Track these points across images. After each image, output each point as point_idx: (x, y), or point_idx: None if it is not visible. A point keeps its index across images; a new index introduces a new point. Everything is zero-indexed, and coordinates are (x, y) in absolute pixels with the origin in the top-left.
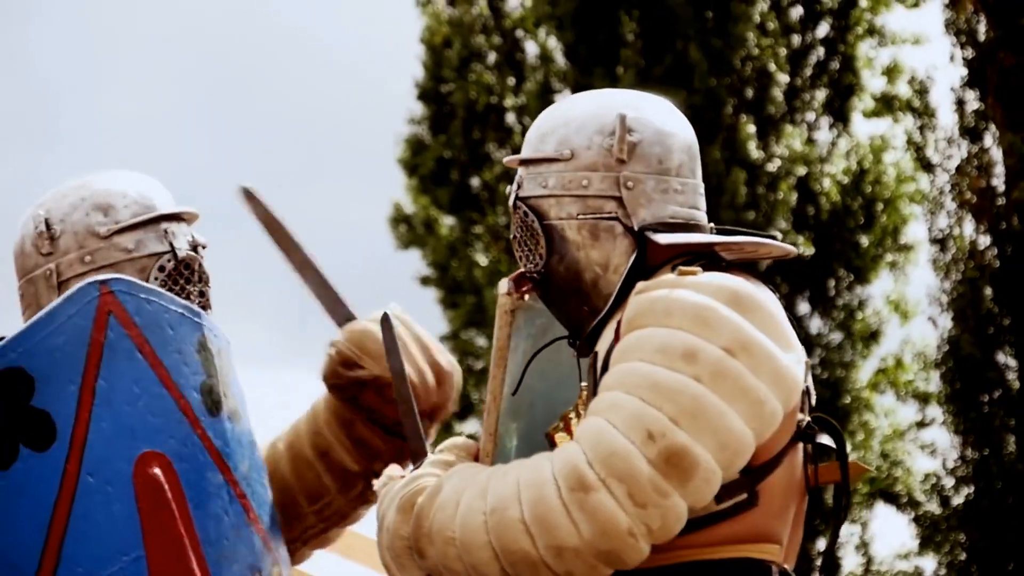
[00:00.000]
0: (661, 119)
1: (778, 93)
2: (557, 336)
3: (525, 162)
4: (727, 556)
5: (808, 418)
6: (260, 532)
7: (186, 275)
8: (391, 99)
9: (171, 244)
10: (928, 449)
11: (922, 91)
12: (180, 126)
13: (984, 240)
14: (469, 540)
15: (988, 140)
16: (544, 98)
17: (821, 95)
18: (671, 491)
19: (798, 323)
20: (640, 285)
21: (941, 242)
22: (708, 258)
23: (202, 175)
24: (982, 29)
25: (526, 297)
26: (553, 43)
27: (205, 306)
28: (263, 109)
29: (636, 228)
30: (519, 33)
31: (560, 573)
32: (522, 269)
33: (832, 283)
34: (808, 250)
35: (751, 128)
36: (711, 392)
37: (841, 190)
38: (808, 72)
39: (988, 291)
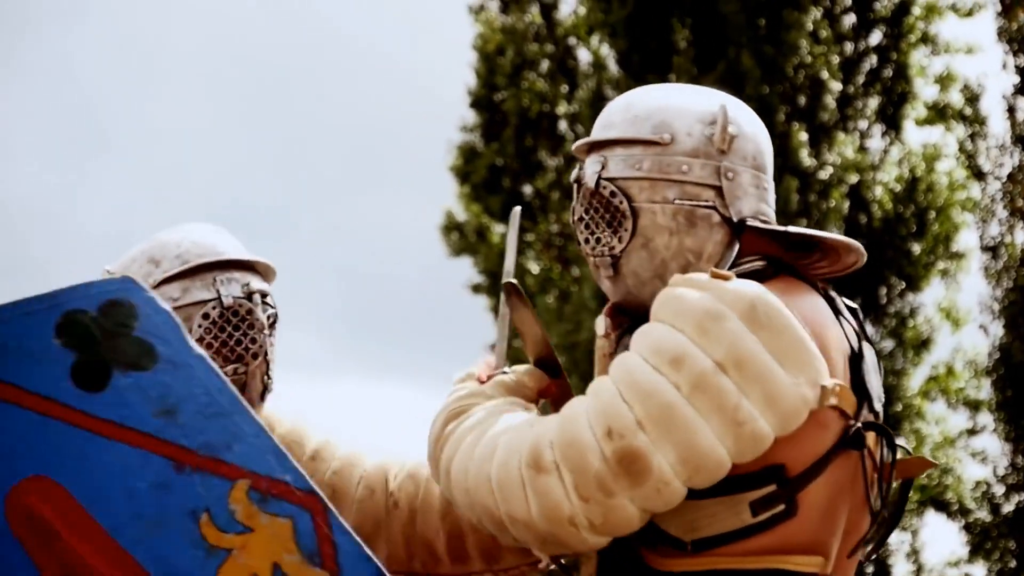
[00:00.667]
0: (749, 117)
1: (830, 100)
2: None
3: (612, 144)
4: (763, 567)
5: (859, 424)
6: (202, 466)
7: (234, 322)
8: (444, 106)
9: (218, 291)
10: (979, 457)
11: (974, 99)
12: (226, 133)
13: None
14: (456, 481)
15: None
16: (596, 106)
17: (873, 103)
18: (617, 492)
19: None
20: (674, 278)
21: (992, 250)
22: (783, 268)
23: (249, 183)
24: None
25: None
26: (606, 50)
27: (257, 354)
28: (313, 116)
29: (735, 219)
30: (571, 40)
31: (516, 537)
32: (587, 251)
33: (884, 291)
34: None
35: (803, 136)
36: (687, 403)
37: (893, 198)
38: (860, 80)
39: None
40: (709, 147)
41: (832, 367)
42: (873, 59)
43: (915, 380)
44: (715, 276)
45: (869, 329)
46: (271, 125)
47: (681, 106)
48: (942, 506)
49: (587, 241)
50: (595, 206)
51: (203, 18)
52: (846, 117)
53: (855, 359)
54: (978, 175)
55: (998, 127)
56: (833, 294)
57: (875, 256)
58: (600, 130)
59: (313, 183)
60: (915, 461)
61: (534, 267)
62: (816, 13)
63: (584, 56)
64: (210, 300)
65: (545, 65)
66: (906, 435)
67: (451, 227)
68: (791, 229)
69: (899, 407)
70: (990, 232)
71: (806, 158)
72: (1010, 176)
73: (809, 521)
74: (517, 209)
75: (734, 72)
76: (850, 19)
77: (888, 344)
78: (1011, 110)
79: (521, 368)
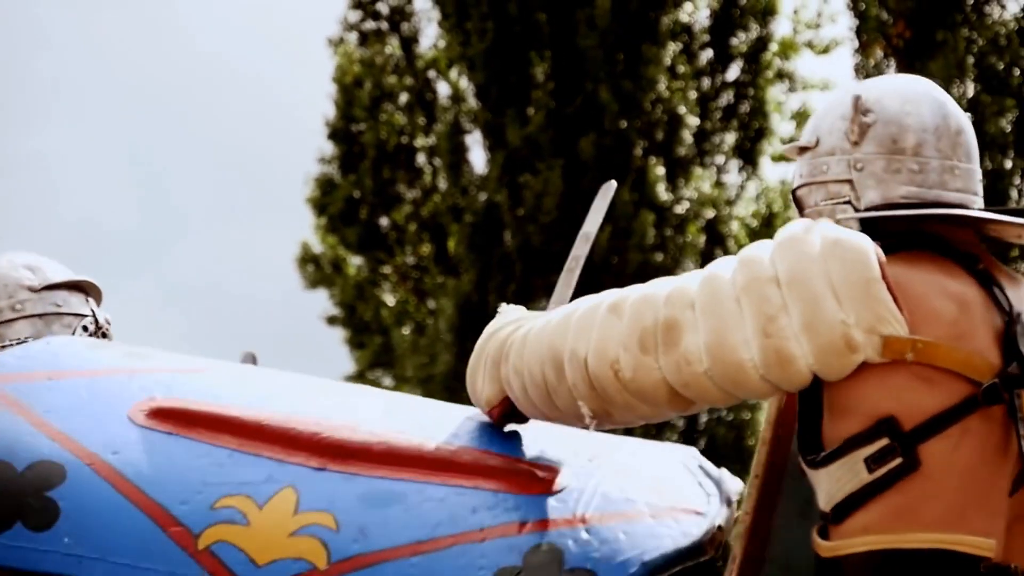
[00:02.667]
0: (905, 98)
1: (687, 135)
2: None
3: (791, 153)
4: (920, 546)
5: (995, 380)
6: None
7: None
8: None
9: (92, 310)
10: None
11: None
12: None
13: None
14: (540, 337)
15: None
16: (454, 139)
17: (731, 138)
18: (650, 350)
19: None
20: None
21: None
22: (935, 245)
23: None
24: (891, 74)
25: None
26: (465, 83)
27: None
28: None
29: (862, 209)
30: (431, 74)
31: (570, 383)
32: None
33: None
34: None
35: (660, 170)
36: (734, 299)
37: (749, 233)
38: (718, 115)
39: None
40: (844, 142)
41: (929, 328)
42: (730, 94)
43: None
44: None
45: None
46: (130, 150)
47: (831, 105)
48: None
49: None
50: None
51: (69, 45)
52: (703, 152)
53: (1008, 325)
54: None
55: None
56: (994, 268)
57: None
58: None
59: (167, 211)
60: None
61: (390, 299)
62: (674, 48)
63: (443, 89)
64: (86, 316)
65: (404, 97)
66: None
67: (307, 259)
68: (888, 214)
69: (753, 441)
70: None
71: (663, 192)
72: None
73: (946, 485)
74: (612, 184)
75: (592, 106)
76: (708, 54)
77: None
78: None
79: None
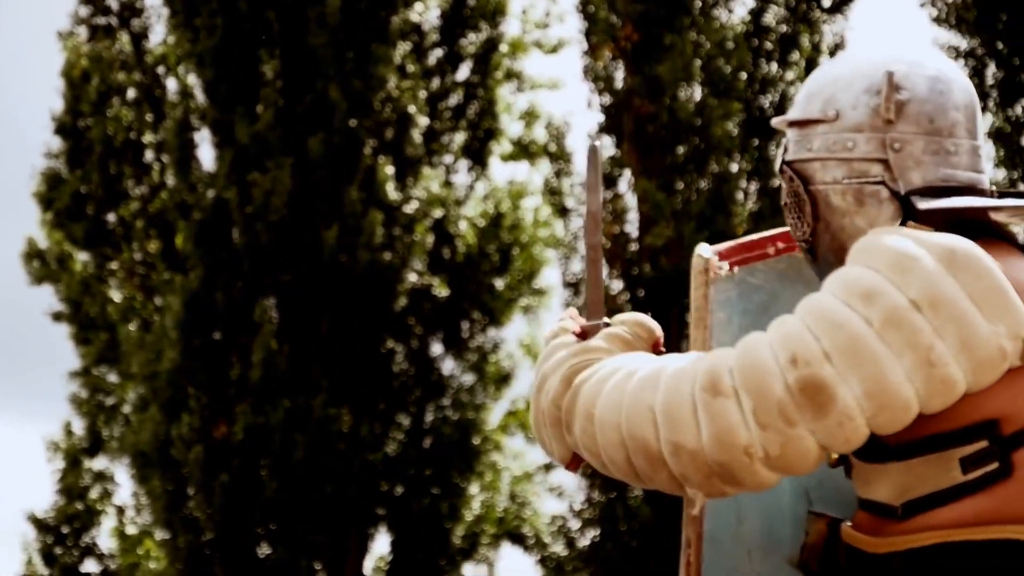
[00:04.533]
0: (934, 75)
1: (417, 135)
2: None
3: (792, 124)
4: (986, 537)
5: None
6: None
7: None
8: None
9: None
10: (556, 491)
11: (559, 136)
12: None
13: (617, 285)
14: (605, 419)
15: (623, 186)
16: (182, 135)
17: (460, 138)
18: (798, 421)
19: (430, 364)
20: (872, 231)
21: (575, 286)
22: (982, 230)
23: None
24: (619, 76)
25: (735, 271)
26: (193, 80)
27: None
28: None
29: (903, 192)
30: (160, 70)
31: (676, 473)
32: (794, 237)
33: (466, 325)
34: (443, 292)
35: (389, 169)
36: (877, 338)
37: (478, 233)
38: (447, 115)
39: None
40: (876, 119)
41: None
42: (460, 94)
43: (495, 415)
44: (913, 228)
45: (450, 363)
46: None
47: (850, 78)
48: (519, 539)
49: (791, 227)
50: (786, 190)
51: None
52: (432, 151)
53: None
54: (562, 212)
55: (582, 164)
56: None
57: (458, 291)
58: (791, 110)
59: None
60: None
61: (116, 295)
62: (404, 48)
63: (172, 85)
64: None
65: (132, 93)
66: (484, 468)
67: (32, 254)
68: (957, 203)
69: (478, 440)
70: (572, 269)
71: (392, 191)
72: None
73: None
74: (597, 144)
75: (322, 104)
76: (438, 54)
77: (469, 378)
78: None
79: (628, 317)
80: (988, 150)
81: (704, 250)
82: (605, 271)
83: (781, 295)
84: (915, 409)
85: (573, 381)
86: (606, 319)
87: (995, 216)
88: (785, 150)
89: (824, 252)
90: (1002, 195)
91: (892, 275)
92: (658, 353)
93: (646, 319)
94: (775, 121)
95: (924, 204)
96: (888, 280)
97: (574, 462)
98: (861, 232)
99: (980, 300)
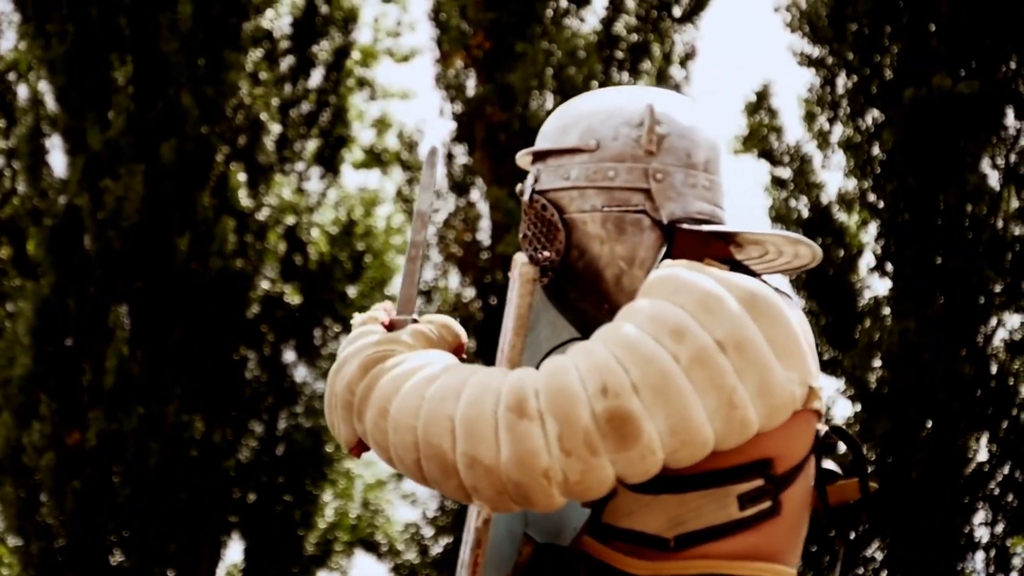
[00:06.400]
0: (686, 114)
1: (269, 142)
2: (573, 337)
3: (544, 155)
4: (750, 573)
5: (826, 428)
6: None
7: None
8: None
9: None
10: (409, 499)
11: (411, 145)
12: None
13: (469, 292)
14: (400, 420)
15: (475, 194)
16: (33, 142)
17: (312, 145)
18: (602, 451)
19: (283, 372)
20: (664, 263)
21: (427, 294)
22: (737, 268)
23: None
24: (471, 84)
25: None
26: (45, 87)
27: None
28: None
29: (665, 221)
30: (11, 76)
31: (466, 486)
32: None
33: (319, 333)
34: (296, 300)
35: (242, 176)
36: (684, 376)
37: (330, 240)
38: (300, 122)
39: (472, 343)
40: (637, 149)
41: (815, 370)
42: (312, 102)
43: None
44: (709, 265)
45: (302, 371)
46: None
47: (609, 110)
48: (372, 546)
49: (531, 257)
50: (533, 220)
51: None
52: (285, 159)
53: None
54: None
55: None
56: (786, 291)
57: (311, 298)
58: (537, 142)
59: None
60: (850, 485)
61: None
62: (256, 54)
63: (23, 92)
64: None
65: None
66: (337, 476)
67: None
68: (721, 229)
69: (331, 448)
70: (425, 277)
71: (244, 198)
72: (445, 221)
73: (788, 525)
74: (436, 148)
75: (174, 111)
76: (290, 61)
77: (322, 386)
78: (448, 157)
79: (436, 318)
80: (839, 160)
81: (522, 257)
82: (432, 272)
83: (542, 316)
84: (711, 447)
85: (371, 370)
86: (415, 316)
87: (738, 253)
88: (536, 180)
89: (576, 281)
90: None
91: (699, 314)
92: (460, 359)
93: (453, 323)
94: (520, 155)
95: (695, 229)
96: (695, 319)
97: (358, 448)
98: (620, 259)
99: (777, 347)
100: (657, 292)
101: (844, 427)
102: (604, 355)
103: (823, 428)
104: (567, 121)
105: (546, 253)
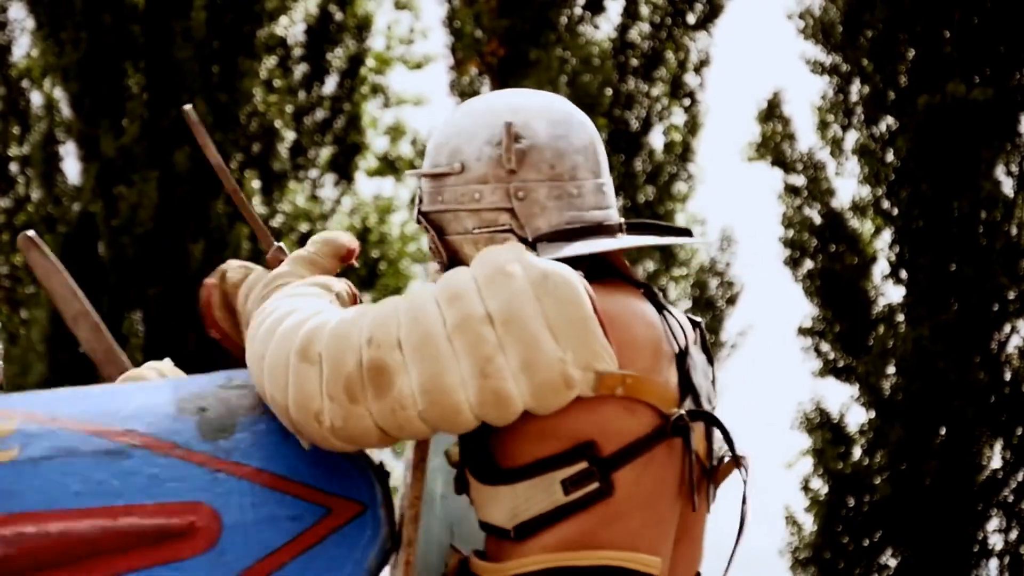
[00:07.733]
0: (553, 120)
1: (283, 149)
2: None
3: (424, 176)
4: (588, 563)
5: (681, 411)
6: None
7: None
8: None
9: None
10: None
11: (424, 152)
12: None
13: None
14: (257, 366)
15: None
16: (47, 149)
17: (326, 152)
18: (359, 399)
19: None
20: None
21: None
22: (606, 270)
23: None
24: (485, 91)
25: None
26: (59, 93)
27: None
28: None
29: (530, 239)
30: (25, 83)
31: (279, 411)
32: None
33: None
34: None
35: (256, 183)
36: (446, 339)
37: None
38: (314, 129)
39: None
40: (499, 169)
41: (635, 361)
42: (326, 109)
43: None
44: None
45: None
46: None
47: (473, 129)
48: None
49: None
50: (428, 240)
51: None
52: (299, 166)
53: (681, 358)
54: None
55: None
56: (660, 296)
57: None
58: (424, 159)
59: None
60: (728, 464)
61: None
62: (270, 61)
63: (37, 99)
64: None
65: None
66: None
67: None
68: (576, 250)
69: None
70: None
71: (258, 206)
72: None
73: (629, 508)
74: (187, 107)
75: (180, 121)
76: (304, 68)
77: None
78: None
79: (316, 238)
80: (852, 167)
81: (434, 266)
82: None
83: None
84: (467, 414)
85: (256, 319)
86: (280, 244)
87: (617, 247)
88: (420, 200)
89: None
90: (630, 227)
91: (483, 286)
92: (349, 264)
93: (333, 235)
94: (409, 174)
95: (545, 253)
96: (477, 289)
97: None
98: None
99: (557, 328)
100: (473, 264)
101: (706, 409)
102: (391, 308)
103: (678, 411)
104: (440, 140)
105: (440, 266)
